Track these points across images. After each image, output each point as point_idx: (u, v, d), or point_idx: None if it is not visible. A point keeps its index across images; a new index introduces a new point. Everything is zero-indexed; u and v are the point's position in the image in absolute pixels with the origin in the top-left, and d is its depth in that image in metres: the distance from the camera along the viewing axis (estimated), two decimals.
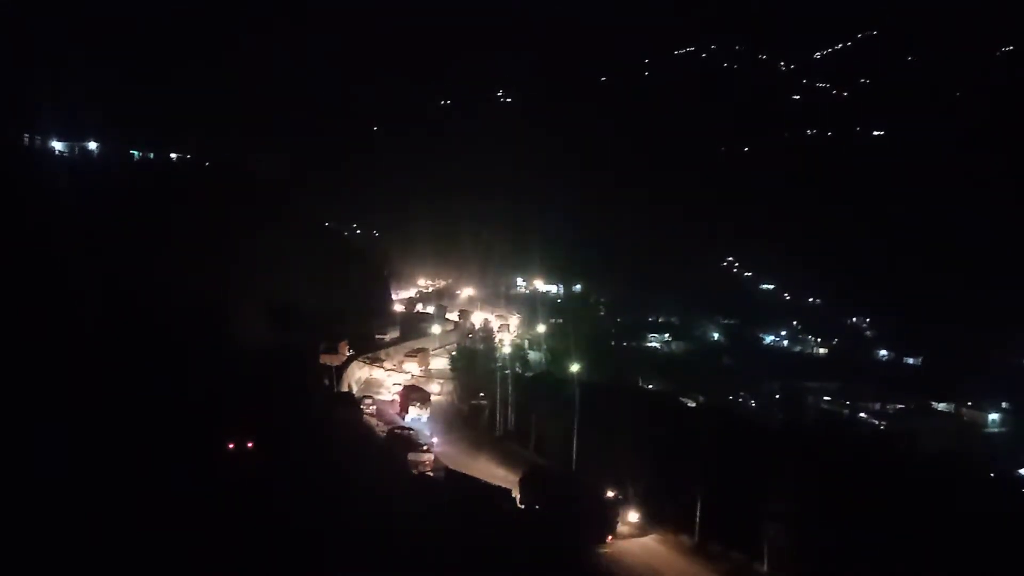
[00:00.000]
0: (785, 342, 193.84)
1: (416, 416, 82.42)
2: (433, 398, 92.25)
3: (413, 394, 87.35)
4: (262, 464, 53.27)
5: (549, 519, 48.54)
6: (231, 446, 57.31)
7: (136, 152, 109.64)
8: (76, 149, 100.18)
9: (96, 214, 76.98)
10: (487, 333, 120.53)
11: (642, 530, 51.42)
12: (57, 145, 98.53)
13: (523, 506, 52.85)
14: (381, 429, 79.50)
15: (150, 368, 61.67)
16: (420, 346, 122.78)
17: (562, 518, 47.87)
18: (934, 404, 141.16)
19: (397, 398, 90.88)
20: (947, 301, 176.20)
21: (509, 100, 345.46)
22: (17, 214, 70.24)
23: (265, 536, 42.64)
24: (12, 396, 50.43)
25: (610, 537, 48.78)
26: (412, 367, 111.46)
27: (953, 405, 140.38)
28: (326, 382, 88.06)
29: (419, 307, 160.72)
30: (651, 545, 50.35)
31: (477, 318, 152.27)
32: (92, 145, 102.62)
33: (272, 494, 47.38)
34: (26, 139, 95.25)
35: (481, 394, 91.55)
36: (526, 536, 45.04)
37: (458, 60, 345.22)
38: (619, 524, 50.55)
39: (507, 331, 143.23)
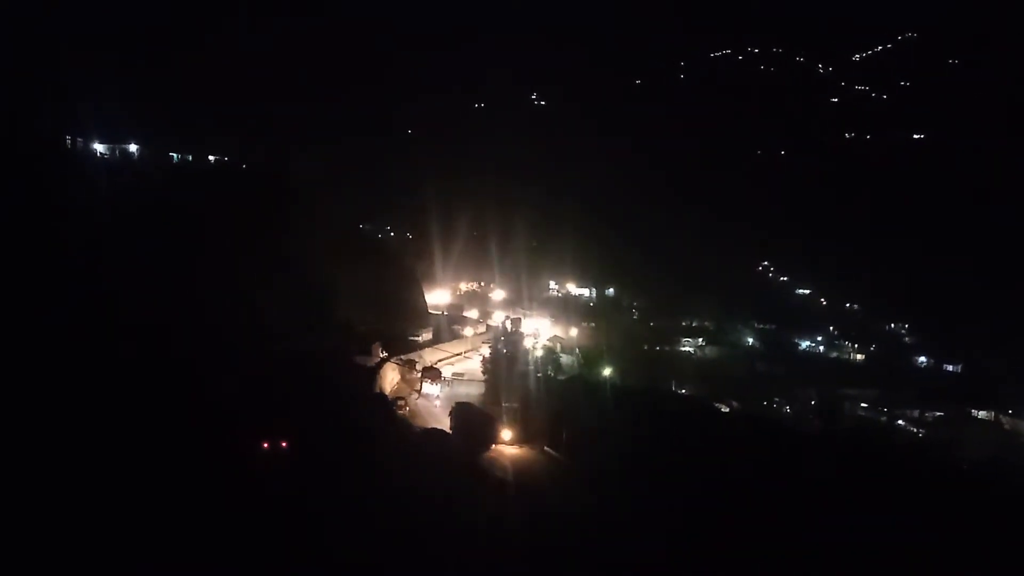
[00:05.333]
0: (821, 348, 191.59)
1: (428, 391, 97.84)
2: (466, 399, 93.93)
3: (428, 373, 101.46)
4: (296, 464, 53.58)
5: (460, 436, 70.25)
6: (265, 446, 57.71)
7: (175, 154, 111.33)
8: (117, 151, 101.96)
9: (135, 215, 78.13)
10: (519, 336, 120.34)
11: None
12: (98, 147, 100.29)
13: (451, 430, 73.08)
14: (415, 429, 79.85)
15: (185, 367, 62.50)
16: (455, 349, 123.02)
17: (467, 435, 69.90)
18: (974, 412, 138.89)
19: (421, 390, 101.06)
20: (988, 308, 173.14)
21: (543, 103, 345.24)
22: (59, 214, 71.54)
23: (296, 534, 43.05)
24: (47, 393, 51.37)
25: (494, 445, 69.29)
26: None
27: (993, 413, 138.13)
28: (359, 383, 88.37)
29: (452, 310, 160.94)
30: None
31: (509, 321, 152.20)
32: (132, 147, 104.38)
33: (306, 493, 47.74)
34: (68, 141, 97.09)
35: (512, 398, 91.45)
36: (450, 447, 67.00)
37: (492, 63, 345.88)
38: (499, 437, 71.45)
39: (539, 334, 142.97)
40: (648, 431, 63.78)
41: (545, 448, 69.47)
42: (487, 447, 68.77)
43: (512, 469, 61.82)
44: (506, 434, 69.47)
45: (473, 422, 74.14)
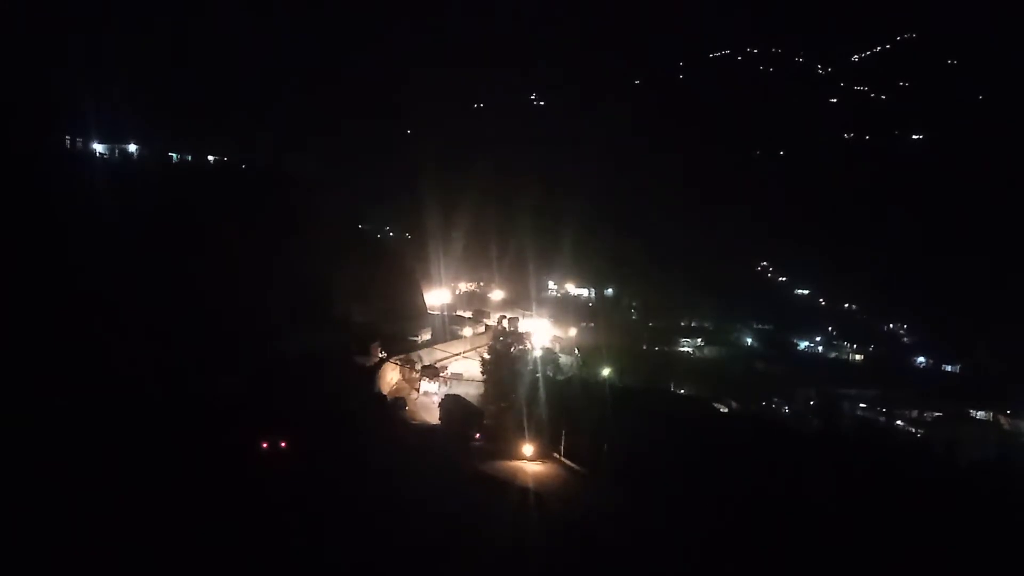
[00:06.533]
0: (820, 348, 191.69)
1: (428, 389, 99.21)
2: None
3: (427, 371, 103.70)
4: (295, 463, 53.66)
5: (449, 427, 76.71)
6: (264, 446, 57.77)
7: (174, 154, 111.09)
8: (116, 151, 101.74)
9: (134, 214, 78.00)
10: (517, 336, 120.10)
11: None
12: (98, 147, 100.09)
13: (440, 420, 79.56)
14: (413, 428, 80.00)
15: (184, 366, 62.58)
16: (453, 350, 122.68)
17: (455, 424, 76.27)
18: (972, 412, 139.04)
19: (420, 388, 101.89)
20: (987, 308, 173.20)
21: (542, 103, 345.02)
22: (59, 214, 71.46)
23: (293, 532, 43.17)
24: (47, 392, 51.45)
25: (477, 435, 73.07)
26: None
27: (992, 413, 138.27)
28: (359, 383, 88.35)
29: (451, 310, 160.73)
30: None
31: (508, 321, 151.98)
32: (132, 147, 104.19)
33: (304, 492, 47.84)
34: (68, 141, 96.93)
35: (512, 399, 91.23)
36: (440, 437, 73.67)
37: (492, 63, 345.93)
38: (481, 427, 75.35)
39: (538, 334, 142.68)
40: (655, 435, 63.53)
41: (560, 457, 68.05)
42: (473, 435, 73.51)
43: (532, 482, 60.72)
44: (527, 449, 68.35)
45: (461, 413, 78.95)
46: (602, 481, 60.22)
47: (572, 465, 65.73)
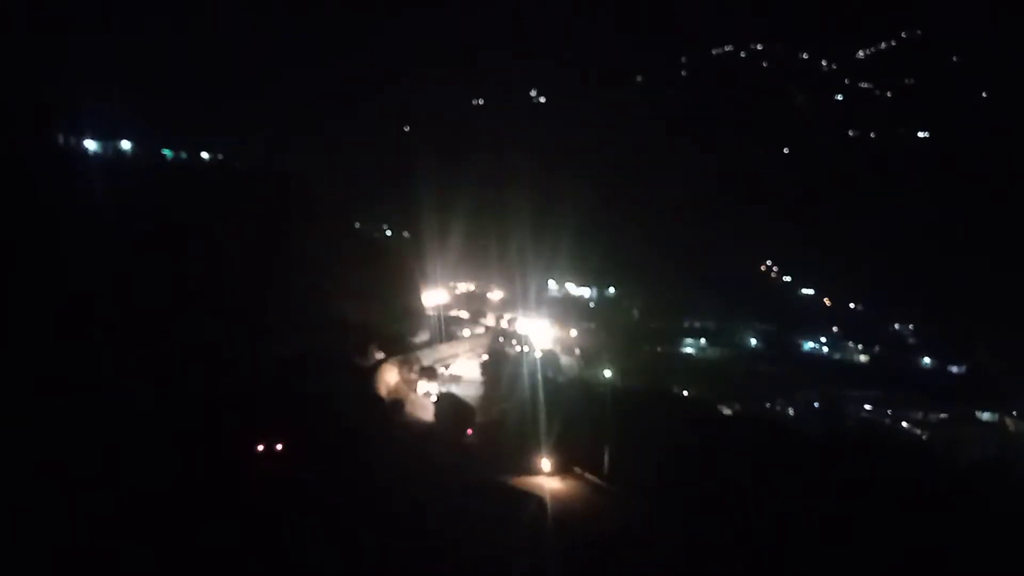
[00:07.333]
0: (825, 349, 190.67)
1: (425, 390, 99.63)
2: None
3: (425, 372, 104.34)
4: (292, 465, 52.97)
5: (443, 423, 78.50)
6: (261, 447, 57.12)
7: (169, 152, 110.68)
8: (109, 149, 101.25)
9: (130, 213, 77.46)
10: (518, 337, 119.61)
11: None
12: (91, 145, 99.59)
13: (435, 417, 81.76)
14: (412, 430, 79.39)
15: (180, 368, 61.85)
16: (452, 351, 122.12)
17: (449, 419, 78.06)
18: (978, 414, 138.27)
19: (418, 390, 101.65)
20: (993, 309, 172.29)
21: (543, 100, 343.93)
22: (51, 213, 70.70)
23: (290, 536, 42.28)
24: (40, 395, 50.72)
25: (470, 430, 75.17)
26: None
27: (998, 415, 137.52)
28: (356, 384, 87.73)
29: (450, 311, 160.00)
30: None
31: (507, 321, 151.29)
32: (125, 145, 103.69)
33: (301, 495, 47.04)
34: (60, 139, 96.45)
35: (511, 399, 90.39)
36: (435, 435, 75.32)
37: (491, 60, 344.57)
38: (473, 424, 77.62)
39: (538, 335, 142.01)
40: (661, 441, 62.21)
41: (583, 473, 65.13)
42: (465, 431, 75.63)
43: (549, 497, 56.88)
44: (545, 464, 63.74)
45: (454, 410, 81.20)
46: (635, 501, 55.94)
47: (598, 481, 61.00)
